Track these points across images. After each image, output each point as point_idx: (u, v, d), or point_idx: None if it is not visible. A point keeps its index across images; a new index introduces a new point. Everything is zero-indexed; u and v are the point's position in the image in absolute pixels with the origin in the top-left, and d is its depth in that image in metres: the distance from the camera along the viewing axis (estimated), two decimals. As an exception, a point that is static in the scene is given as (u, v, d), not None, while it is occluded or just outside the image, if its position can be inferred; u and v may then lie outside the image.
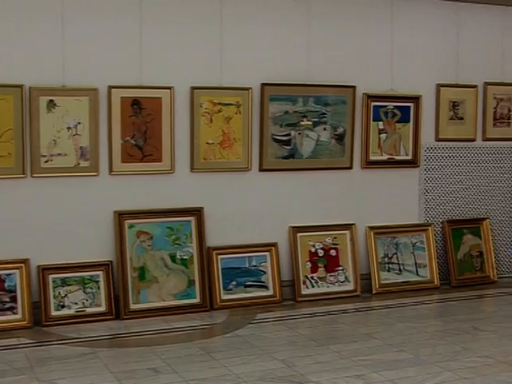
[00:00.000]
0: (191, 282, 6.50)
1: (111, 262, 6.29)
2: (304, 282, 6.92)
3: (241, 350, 5.38)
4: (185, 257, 6.51)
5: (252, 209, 6.83)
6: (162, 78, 6.41)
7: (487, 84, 7.76)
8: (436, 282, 7.44)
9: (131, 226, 6.36)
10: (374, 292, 7.16)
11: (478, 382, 4.76)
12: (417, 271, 7.41)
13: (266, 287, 6.77)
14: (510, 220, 8.02)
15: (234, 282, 6.67)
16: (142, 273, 6.35)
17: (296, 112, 6.87)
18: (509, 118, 7.92)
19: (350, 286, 7.09)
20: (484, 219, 7.81)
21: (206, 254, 6.58)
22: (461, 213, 7.76)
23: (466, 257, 7.68)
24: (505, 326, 6.11)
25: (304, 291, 6.90)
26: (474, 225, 7.77)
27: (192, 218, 6.56)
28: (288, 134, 6.86)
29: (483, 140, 7.81)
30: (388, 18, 7.25)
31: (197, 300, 6.49)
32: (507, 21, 7.83)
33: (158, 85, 6.37)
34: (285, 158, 6.88)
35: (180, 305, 6.41)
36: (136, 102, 6.33)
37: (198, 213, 6.57)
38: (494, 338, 5.79)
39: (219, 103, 6.60)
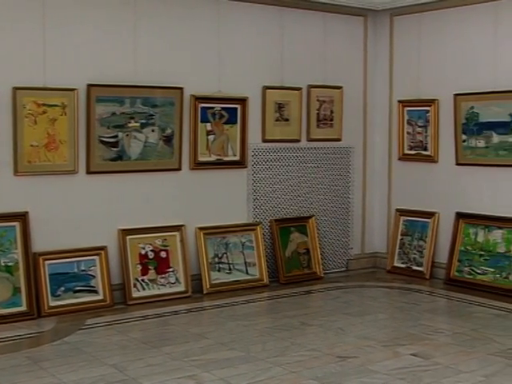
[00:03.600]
0: (17, 290, 6.25)
1: None
2: (135, 285, 6.85)
3: (70, 357, 5.24)
4: (9, 263, 6.26)
5: (80, 212, 6.68)
6: (-18, 77, 6.15)
7: (311, 87, 8.02)
8: (265, 279, 7.59)
9: (-50, 234, 6.05)
10: (205, 292, 7.21)
11: (305, 375, 4.91)
12: (246, 270, 7.54)
13: (95, 292, 6.64)
14: (334, 217, 8.33)
15: (63, 288, 6.50)
16: (-38, 282, 6.05)
17: (123, 113, 6.79)
18: (331, 120, 8.22)
19: (180, 287, 7.09)
20: (310, 217, 8.06)
21: (33, 260, 6.36)
22: (288, 212, 7.97)
23: (293, 254, 7.90)
24: (330, 319, 6.34)
25: (135, 294, 6.83)
26: (300, 223, 8.01)
27: (16, 223, 6.31)
28: (115, 136, 6.77)
29: (308, 141, 8.06)
30: (214, 20, 7.32)
31: (23, 308, 6.25)
32: (328, 26, 8.14)
33: (-23, 85, 6.11)
34: (112, 160, 6.79)
35: (5, 314, 6.15)
36: (-47, 103, 6.03)
37: (22, 217, 6.34)
38: (320, 331, 5.99)
39: (43, 104, 6.40)
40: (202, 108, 7.27)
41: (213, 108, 7.35)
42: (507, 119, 7.31)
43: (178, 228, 7.17)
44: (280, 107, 7.81)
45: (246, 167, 7.63)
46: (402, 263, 8.29)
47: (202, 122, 7.29)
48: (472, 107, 7.60)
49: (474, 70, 7.63)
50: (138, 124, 6.88)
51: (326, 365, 5.13)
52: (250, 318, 6.39)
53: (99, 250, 6.72)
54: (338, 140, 8.30)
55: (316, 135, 8.11)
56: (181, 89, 7.08)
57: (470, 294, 7.26)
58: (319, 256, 8.05)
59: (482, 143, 7.57)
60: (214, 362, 5.16)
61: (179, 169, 7.19)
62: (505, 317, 6.48)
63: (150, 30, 6.95)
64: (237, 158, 7.56)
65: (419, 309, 6.76)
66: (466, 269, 7.66)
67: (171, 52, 7.09)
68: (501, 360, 5.24)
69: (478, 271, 7.55)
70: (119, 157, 6.82)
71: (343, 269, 8.45)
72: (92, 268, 6.66)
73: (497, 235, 7.47)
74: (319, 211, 8.20)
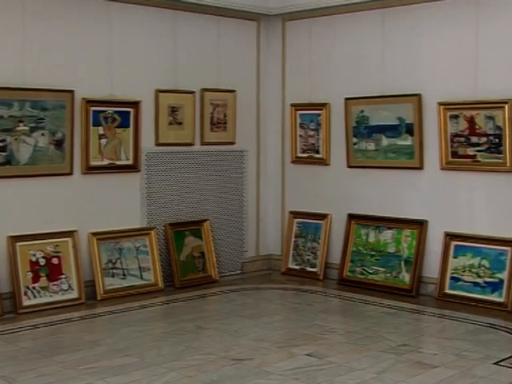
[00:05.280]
0: None
1: None
2: (25, 293, 6.67)
3: (-43, 370, 5.06)
4: None
5: (-34, 219, 6.47)
6: None
7: (204, 90, 8.02)
8: (160, 284, 7.54)
9: None
10: (99, 298, 7.09)
11: (201, 379, 4.90)
12: (141, 275, 7.46)
13: (-16, 301, 6.44)
14: (229, 221, 8.36)
15: (-52, 298, 6.27)
16: None
17: (11, 117, 6.60)
18: (225, 123, 8.24)
19: (73, 294, 6.95)
20: (204, 221, 8.05)
21: None
22: (183, 215, 7.94)
23: (188, 258, 7.88)
24: (226, 322, 6.36)
25: (25, 302, 6.64)
26: (195, 227, 7.99)
27: None
28: (3, 140, 6.57)
29: (201, 144, 8.05)
30: (106, 22, 7.22)
31: None
32: (222, 30, 8.16)
33: None
34: (0, 164, 6.58)
35: None
36: None
37: None
38: (215, 334, 5.99)
39: None
40: (94, 111, 7.15)
41: (105, 111, 7.24)
42: (395, 122, 7.52)
43: (70, 234, 7.03)
44: (173, 111, 7.78)
45: (139, 171, 7.56)
46: (296, 265, 8.40)
47: (93, 125, 7.17)
48: (362, 111, 7.78)
49: (363, 74, 7.81)
50: (27, 128, 6.70)
51: (221, 368, 5.13)
52: (145, 324, 6.32)
53: (-13, 257, 6.52)
54: (232, 143, 8.33)
55: (210, 139, 8.11)
56: (71, 92, 6.95)
57: (362, 294, 7.42)
58: (214, 259, 8.05)
59: (371, 146, 7.76)
60: (108, 370, 5.08)
61: (71, 173, 7.04)
62: (395, 314, 6.66)
63: (40, 31, 6.79)
64: (130, 162, 7.47)
65: (313, 309, 6.86)
66: (358, 269, 7.83)
67: (62, 54, 6.95)
68: (391, 357, 5.38)
69: (370, 271, 7.73)
70: (7, 161, 6.62)
71: (238, 271, 8.48)
72: (-20, 277, 6.46)
73: (387, 235, 7.67)
74: (214, 214, 8.20)
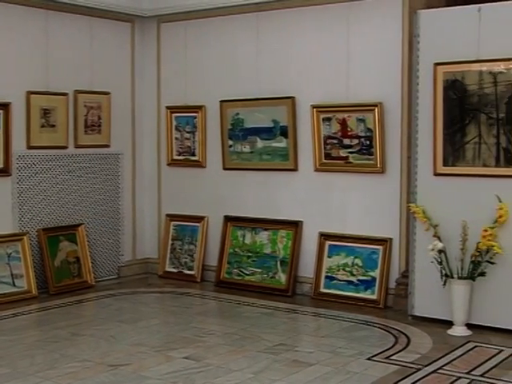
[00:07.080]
0: None
1: None
2: None
3: None
4: None
5: None
6: None
7: (77, 92, 7.86)
8: (34, 291, 7.34)
9: None
10: (-32, 308, 6.85)
11: (76, 387, 4.82)
12: (13, 282, 7.24)
13: None
14: (105, 224, 8.23)
15: None
16: None
17: None
18: (99, 126, 8.11)
19: None
20: (79, 225, 7.90)
21: None
22: (57, 220, 7.76)
23: (63, 263, 7.71)
24: (102, 328, 6.26)
25: None
26: (69, 231, 7.83)
27: None
28: None
29: (75, 147, 7.89)
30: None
31: None
32: (95, 31, 8.03)
33: None
34: None
35: None
36: None
37: None
38: (92, 341, 5.89)
39: None
40: (-39, 113, 6.91)
41: (-28, 113, 7.00)
42: (270, 125, 7.62)
43: None
44: (46, 113, 7.59)
45: (10, 175, 7.33)
46: (174, 268, 8.37)
47: (-40, 128, 6.93)
48: (237, 113, 7.84)
49: (238, 77, 7.87)
50: None
51: (97, 374, 5.04)
52: (18, 332, 6.13)
53: None
54: (107, 146, 8.21)
55: (84, 141, 7.96)
56: None
57: (239, 295, 7.47)
58: (90, 264, 7.91)
59: (247, 148, 7.83)
60: (-23, 381, 4.92)
61: None
62: (272, 315, 6.75)
63: None
64: (0, 166, 7.24)
65: (191, 312, 6.86)
66: (235, 270, 7.88)
67: None
68: (269, 356, 5.45)
69: (247, 272, 7.80)
70: None
71: (115, 276, 8.37)
72: None
73: (263, 237, 7.77)
74: (89, 219, 8.06)
